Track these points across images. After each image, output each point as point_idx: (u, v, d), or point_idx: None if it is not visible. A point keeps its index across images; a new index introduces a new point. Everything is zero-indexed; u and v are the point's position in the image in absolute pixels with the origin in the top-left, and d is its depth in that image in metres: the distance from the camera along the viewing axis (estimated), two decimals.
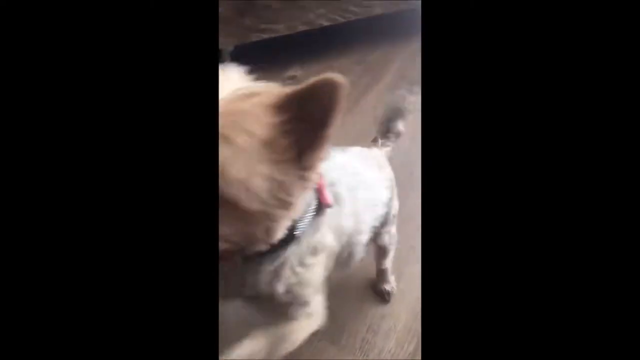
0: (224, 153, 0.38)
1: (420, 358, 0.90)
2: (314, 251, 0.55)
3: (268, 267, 0.52)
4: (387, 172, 0.86)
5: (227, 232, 0.42)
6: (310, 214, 0.52)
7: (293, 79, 1.65)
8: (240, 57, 1.71)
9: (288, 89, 0.41)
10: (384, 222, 0.82)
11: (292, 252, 0.53)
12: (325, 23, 1.57)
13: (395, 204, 0.91)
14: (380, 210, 0.77)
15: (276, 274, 0.53)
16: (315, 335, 0.95)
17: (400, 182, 1.21)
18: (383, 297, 1.01)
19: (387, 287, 1.01)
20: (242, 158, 0.39)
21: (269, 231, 0.46)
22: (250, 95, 0.42)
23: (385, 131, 0.94)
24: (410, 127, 1.40)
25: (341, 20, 1.58)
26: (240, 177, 0.39)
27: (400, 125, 0.95)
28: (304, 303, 0.59)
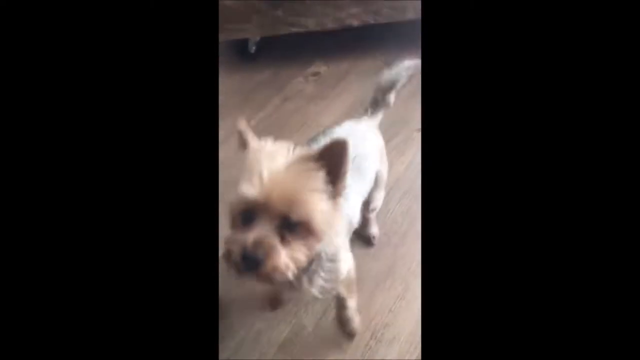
0: (315, 198, 0.58)
1: None
2: (331, 258, 0.71)
3: (304, 278, 0.70)
4: (378, 142, 0.95)
5: (302, 257, 0.59)
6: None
7: (316, 76, 1.64)
8: (265, 48, 1.70)
9: (315, 149, 0.60)
10: (374, 188, 0.94)
11: (317, 264, 0.70)
12: (356, 23, 1.55)
13: (384, 171, 0.99)
14: (371, 179, 0.90)
15: (311, 282, 0.71)
16: (318, 337, 0.95)
17: (415, 197, 1.20)
18: (369, 241, 1.10)
19: (372, 231, 1.10)
20: (322, 199, 0.58)
21: (314, 251, 0.63)
22: (303, 159, 0.59)
23: (376, 102, 0.99)
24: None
25: (372, 21, 1.55)
26: (322, 210, 0.58)
27: (392, 97, 0.99)
28: (337, 284, 0.78)
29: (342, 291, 0.83)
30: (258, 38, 1.64)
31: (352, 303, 0.89)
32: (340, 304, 0.90)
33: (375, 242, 1.11)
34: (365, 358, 0.92)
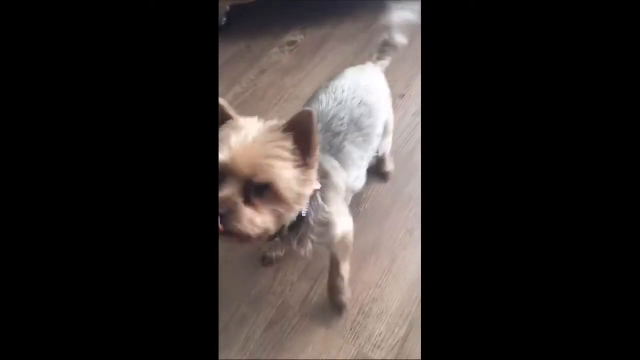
0: (279, 165, 0.60)
1: (411, 343, 0.89)
2: (322, 223, 0.74)
3: (293, 241, 0.74)
4: (384, 92, 0.94)
5: (269, 219, 0.62)
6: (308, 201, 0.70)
7: (293, 45, 1.55)
8: (237, 17, 1.61)
9: (284, 122, 0.62)
10: (382, 137, 0.94)
11: (305, 229, 0.73)
12: None
13: (391, 119, 0.99)
14: (379, 134, 0.90)
15: (300, 244, 0.74)
16: (305, 315, 0.94)
17: (399, 168, 1.17)
18: (384, 177, 1.15)
19: (388, 168, 1.15)
20: (286, 167, 0.61)
21: (287, 217, 0.67)
22: (270, 130, 0.62)
23: (385, 45, 0.99)
24: (418, 121, 1.33)
25: None
26: (286, 177, 0.61)
27: (402, 38, 0.98)
28: (332, 244, 0.82)
29: (338, 254, 0.86)
30: (228, 7, 1.54)
31: (345, 271, 0.90)
32: (334, 270, 0.90)
33: (389, 178, 1.15)
34: (355, 333, 0.91)
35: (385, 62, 1.00)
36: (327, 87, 0.86)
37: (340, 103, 0.82)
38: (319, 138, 0.63)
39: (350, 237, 0.84)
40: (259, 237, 0.62)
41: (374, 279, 0.98)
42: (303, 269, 1.01)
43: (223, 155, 0.59)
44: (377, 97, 0.88)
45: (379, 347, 0.89)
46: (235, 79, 1.44)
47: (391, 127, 1.00)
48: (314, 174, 0.65)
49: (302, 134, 0.61)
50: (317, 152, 0.64)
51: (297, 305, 0.95)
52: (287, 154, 0.61)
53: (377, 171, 1.13)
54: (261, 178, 0.59)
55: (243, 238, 0.61)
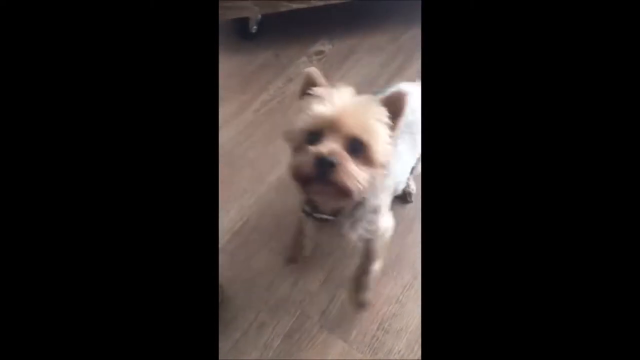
0: (380, 128, 0.62)
1: None
2: (375, 210, 0.76)
3: (346, 223, 0.75)
4: None
5: (368, 177, 0.62)
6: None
7: (320, 55, 1.57)
8: (267, 26, 1.63)
9: (381, 97, 0.65)
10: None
11: (361, 213, 0.74)
12: None
13: None
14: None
15: (352, 227, 0.76)
16: (324, 327, 0.93)
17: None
18: (406, 198, 1.14)
19: (411, 188, 1.13)
20: (384, 132, 0.63)
21: (373, 183, 0.65)
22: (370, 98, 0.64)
23: None
24: None
25: None
26: (384, 141, 0.63)
27: None
28: (375, 236, 0.83)
29: (374, 248, 0.86)
30: (259, 16, 1.57)
31: (374, 268, 0.90)
32: (364, 265, 0.90)
33: (412, 199, 1.15)
34: (373, 349, 0.90)
35: None
36: (376, 92, 0.87)
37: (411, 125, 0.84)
38: (405, 118, 0.65)
39: (390, 234, 0.85)
40: (353, 197, 0.63)
41: (394, 294, 0.97)
42: (323, 280, 1.00)
43: (327, 109, 0.60)
44: None
45: None
46: (263, 86, 1.46)
47: None
48: (391, 149, 0.66)
49: (392, 111, 0.63)
50: (398, 132, 0.65)
51: (316, 316, 0.95)
52: (385, 119, 0.62)
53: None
54: (365, 136, 0.60)
55: (343, 193, 0.61)
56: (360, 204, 0.72)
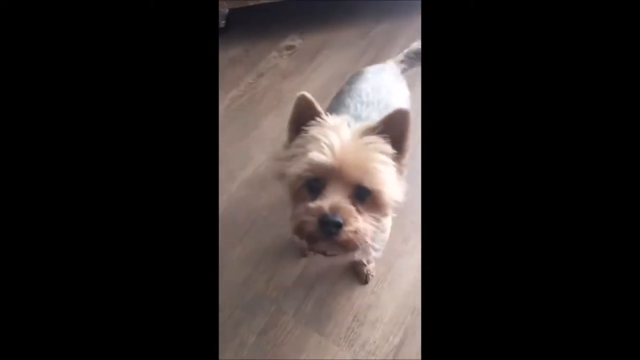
0: (386, 170, 0.56)
1: (405, 351, 0.89)
2: (384, 229, 0.74)
3: (359, 251, 0.66)
4: (403, 92, 0.91)
5: (374, 228, 0.58)
6: None
7: (291, 50, 1.56)
8: (236, 21, 1.60)
9: (374, 122, 0.58)
10: None
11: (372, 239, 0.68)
12: None
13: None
14: None
15: (364, 252, 0.70)
16: (299, 322, 0.93)
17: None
18: None
19: None
20: (391, 173, 0.57)
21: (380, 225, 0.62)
22: (368, 131, 0.58)
23: (414, 52, 0.99)
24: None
25: None
26: (391, 183, 0.57)
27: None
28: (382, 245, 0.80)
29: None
30: (227, 10, 1.54)
31: (372, 259, 0.91)
32: (362, 262, 0.91)
33: None
34: (349, 340, 0.90)
35: (408, 69, 0.99)
36: (350, 90, 0.83)
37: (368, 105, 0.80)
38: (411, 140, 0.58)
39: (388, 233, 0.83)
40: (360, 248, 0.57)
41: (369, 286, 0.98)
42: (298, 275, 1.00)
43: (327, 157, 0.54)
44: (397, 99, 0.85)
45: (373, 354, 0.89)
46: (233, 82, 1.44)
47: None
48: (403, 179, 0.60)
49: (395, 135, 0.57)
50: (408, 156, 0.59)
51: (292, 311, 0.95)
52: (389, 159, 0.56)
53: None
54: (371, 183, 0.55)
55: (351, 249, 0.56)
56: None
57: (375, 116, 0.79)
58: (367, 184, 0.54)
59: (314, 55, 1.53)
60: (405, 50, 0.99)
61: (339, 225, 0.53)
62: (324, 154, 0.54)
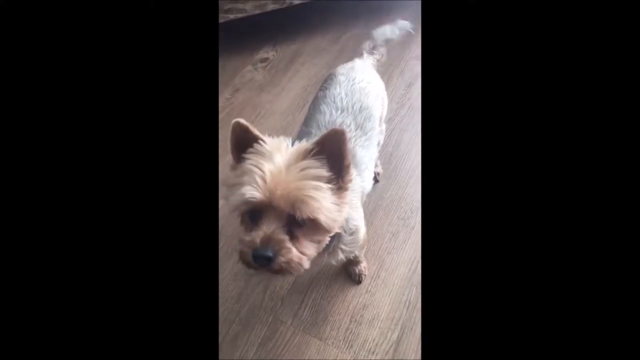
0: (319, 196, 0.57)
1: (404, 346, 0.90)
2: (352, 232, 0.75)
3: (324, 254, 0.72)
4: (378, 86, 0.93)
5: (313, 251, 0.62)
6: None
7: (265, 62, 1.58)
8: None
9: (310, 143, 0.59)
10: (378, 124, 0.92)
11: (337, 241, 0.73)
12: (297, 1, 1.49)
13: (385, 110, 1.00)
14: (377, 129, 0.90)
15: (331, 255, 0.74)
16: (297, 329, 0.94)
17: (382, 174, 1.19)
18: (376, 179, 1.13)
19: (376, 170, 1.13)
20: (326, 197, 0.58)
21: (325, 242, 0.65)
22: (303, 155, 0.59)
23: (369, 51, 1.01)
24: (396, 120, 1.36)
25: None
26: (327, 208, 0.58)
27: (385, 51, 1.01)
28: (358, 245, 0.81)
29: (358, 253, 0.87)
30: None
31: (362, 258, 0.94)
32: (353, 262, 0.94)
33: (379, 178, 1.16)
34: (348, 342, 0.91)
35: (373, 57, 1.00)
36: (325, 96, 0.84)
37: (343, 111, 0.81)
38: (350, 156, 0.60)
39: (365, 233, 0.83)
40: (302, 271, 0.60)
41: (363, 285, 0.99)
42: (292, 283, 1.01)
43: (258, 192, 0.55)
44: (373, 98, 0.87)
45: (373, 352, 0.89)
46: None
47: (384, 117, 1.00)
48: (348, 195, 0.62)
49: (333, 154, 0.58)
50: (350, 172, 0.60)
51: (289, 319, 0.95)
52: (324, 183, 0.57)
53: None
54: (304, 213, 0.56)
55: (287, 274, 0.59)
56: (335, 235, 0.68)
57: (350, 121, 0.81)
58: (298, 212, 0.56)
59: (289, 65, 1.55)
60: (368, 42, 1.01)
61: (269, 259, 0.56)
62: (255, 189, 0.55)
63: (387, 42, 1.00)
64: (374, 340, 0.91)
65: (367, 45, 1.00)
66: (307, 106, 0.93)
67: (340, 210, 0.61)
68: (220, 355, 0.90)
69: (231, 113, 1.41)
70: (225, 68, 1.55)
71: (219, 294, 0.99)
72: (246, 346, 0.91)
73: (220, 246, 1.07)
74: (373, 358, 0.89)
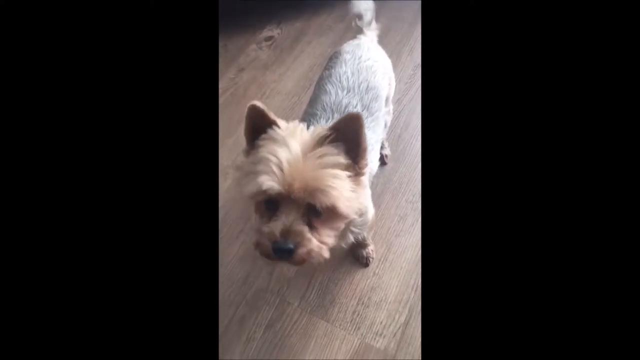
0: (338, 185, 0.55)
1: (411, 329, 0.90)
2: (361, 213, 0.71)
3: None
4: (385, 64, 0.91)
5: (333, 239, 0.61)
6: None
7: (270, 40, 1.53)
8: None
9: (326, 129, 0.57)
10: (385, 105, 0.91)
11: (347, 223, 0.68)
12: None
13: (392, 89, 0.97)
14: (384, 110, 0.88)
15: (341, 238, 0.72)
16: (305, 311, 0.93)
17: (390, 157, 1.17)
18: (382, 160, 1.11)
19: (384, 152, 1.13)
20: (344, 185, 0.56)
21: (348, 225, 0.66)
22: (319, 141, 0.57)
23: (360, 25, 0.98)
24: (405, 101, 1.33)
25: None
26: (346, 196, 0.57)
27: (360, 22, 0.98)
28: (366, 226, 0.80)
29: (366, 235, 0.86)
30: None
31: (370, 241, 0.94)
32: (360, 245, 0.93)
33: (387, 160, 1.15)
34: (355, 324, 0.91)
35: (374, 31, 0.98)
36: (330, 76, 0.82)
37: (349, 91, 0.79)
38: (367, 141, 0.58)
39: (374, 214, 0.83)
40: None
41: (370, 268, 0.98)
42: None
43: (276, 182, 0.54)
44: (380, 77, 0.85)
45: (380, 334, 0.89)
46: None
47: (391, 97, 0.97)
48: (364, 180, 0.60)
49: (349, 139, 0.56)
50: (366, 157, 0.59)
51: (296, 301, 0.95)
52: (342, 170, 0.56)
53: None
54: (323, 203, 0.55)
55: (308, 262, 0.58)
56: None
57: (357, 102, 0.78)
58: (318, 203, 0.55)
59: (294, 44, 1.51)
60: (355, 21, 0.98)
61: (290, 252, 0.55)
62: (272, 178, 0.54)
63: (357, 16, 0.97)
64: (381, 322, 0.91)
65: (354, 21, 0.97)
66: (312, 86, 0.90)
67: (358, 196, 0.59)
68: (228, 338, 0.90)
69: (235, 93, 1.38)
70: (229, 47, 1.51)
71: (226, 276, 0.98)
72: (254, 327, 0.91)
73: (226, 230, 1.06)
74: (380, 340, 0.88)
